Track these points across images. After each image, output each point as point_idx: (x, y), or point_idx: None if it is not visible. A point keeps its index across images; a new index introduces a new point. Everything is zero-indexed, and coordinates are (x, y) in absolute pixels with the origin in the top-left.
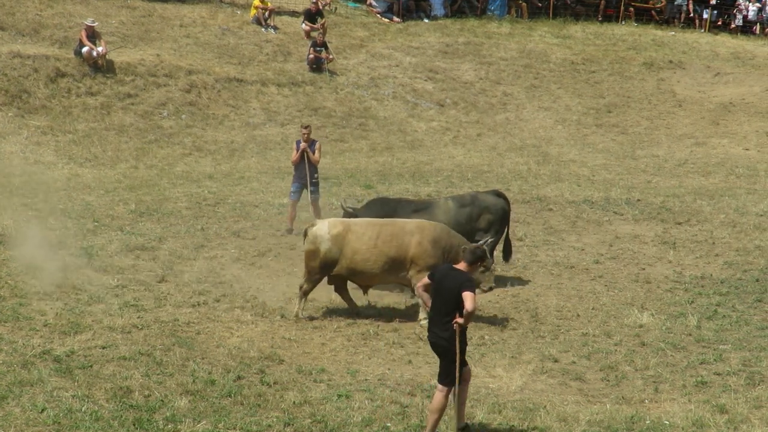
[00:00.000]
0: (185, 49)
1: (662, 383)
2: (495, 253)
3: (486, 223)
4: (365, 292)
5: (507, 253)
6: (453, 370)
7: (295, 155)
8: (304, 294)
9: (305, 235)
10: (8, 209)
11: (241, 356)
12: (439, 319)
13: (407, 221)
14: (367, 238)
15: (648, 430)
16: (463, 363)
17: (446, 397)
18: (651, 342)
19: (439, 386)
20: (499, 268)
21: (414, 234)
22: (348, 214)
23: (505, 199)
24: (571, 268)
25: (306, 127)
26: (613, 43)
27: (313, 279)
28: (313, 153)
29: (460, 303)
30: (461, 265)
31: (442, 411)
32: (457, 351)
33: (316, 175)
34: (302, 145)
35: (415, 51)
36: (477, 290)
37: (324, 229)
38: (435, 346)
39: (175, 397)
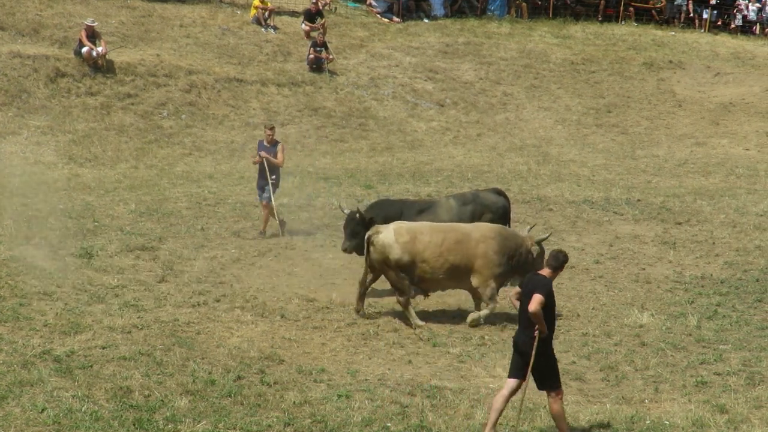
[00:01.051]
0: (185, 49)
1: (662, 383)
2: None
3: (487, 221)
4: (426, 295)
5: None
6: (551, 375)
7: (256, 158)
8: (405, 306)
9: (369, 243)
10: (8, 209)
11: (241, 356)
12: (523, 324)
13: (470, 227)
14: (433, 246)
15: (648, 430)
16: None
17: (560, 399)
18: (651, 342)
19: (549, 394)
20: None
21: (480, 243)
22: (362, 218)
23: (506, 197)
24: (571, 268)
25: (271, 129)
26: (613, 43)
27: (401, 285)
28: (276, 155)
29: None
30: (545, 271)
31: (562, 416)
32: (532, 356)
33: (274, 177)
34: (262, 154)
35: (415, 51)
36: None
37: (391, 237)
38: (516, 347)
39: (175, 397)
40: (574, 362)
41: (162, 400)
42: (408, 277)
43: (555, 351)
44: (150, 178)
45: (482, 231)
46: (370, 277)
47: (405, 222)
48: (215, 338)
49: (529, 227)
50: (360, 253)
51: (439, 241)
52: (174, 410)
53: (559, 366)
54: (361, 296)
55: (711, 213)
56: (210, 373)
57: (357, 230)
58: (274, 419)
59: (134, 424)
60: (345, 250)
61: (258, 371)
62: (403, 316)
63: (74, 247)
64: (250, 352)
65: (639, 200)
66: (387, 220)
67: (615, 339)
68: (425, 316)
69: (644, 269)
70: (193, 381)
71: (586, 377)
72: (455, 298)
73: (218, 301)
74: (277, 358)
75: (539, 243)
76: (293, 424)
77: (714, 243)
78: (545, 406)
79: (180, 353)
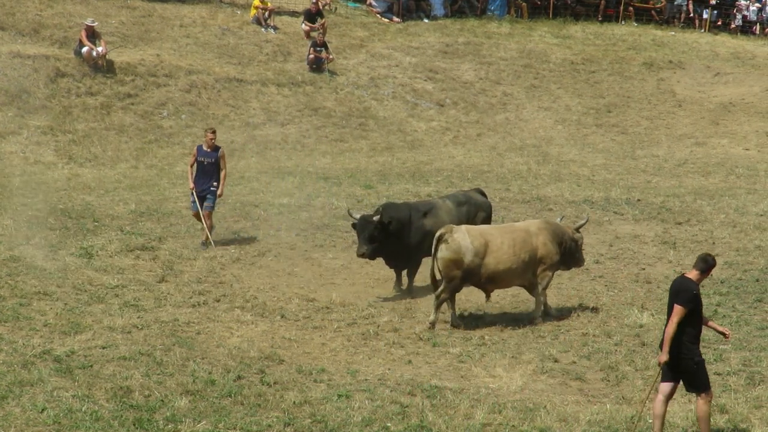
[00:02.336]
0: (185, 49)
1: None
2: None
3: (481, 221)
4: (488, 297)
5: None
6: (700, 377)
7: (193, 167)
8: (441, 302)
9: (439, 241)
10: (8, 209)
11: (241, 356)
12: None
13: (524, 224)
14: (506, 247)
15: (648, 430)
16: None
17: (708, 403)
18: (651, 342)
19: (699, 395)
20: None
21: (539, 235)
22: (381, 222)
23: (486, 197)
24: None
25: (212, 132)
26: (613, 43)
27: (452, 287)
28: (216, 161)
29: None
30: (692, 273)
31: (708, 418)
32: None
33: (215, 183)
34: (190, 184)
35: (415, 51)
36: None
37: (467, 239)
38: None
39: (175, 397)
40: (575, 362)
41: (162, 400)
42: (473, 278)
43: (555, 351)
44: (150, 178)
45: (537, 225)
46: (440, 278)
47: (469, 226)
48: (215, 338)
49: (560, 217)
50: (373, 258)
51: (511, 242)
52: (174, 410)
53: (559, 366)
54: (452, 303)
55: (711, 213)
56: (210, 373)
57: (375, 234)
58: (274, 419)
59: (134, 424)
60: (362, 255)
61: (258, 371)
62: (403, 316)
63: (74, 247)
64: (250, 352)
65: (639, 200)
66: (397, 223)
67: (615, 339)
68: (426, 316)
69: (644, 269)
70: (193, 381)
71: (586, 377)
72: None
73: (218, 301)
74: (277, 358)
75: (578, 230)
76: (293, 424)
77: (714, 243)
78: (545, 406)
79: (180, 353)
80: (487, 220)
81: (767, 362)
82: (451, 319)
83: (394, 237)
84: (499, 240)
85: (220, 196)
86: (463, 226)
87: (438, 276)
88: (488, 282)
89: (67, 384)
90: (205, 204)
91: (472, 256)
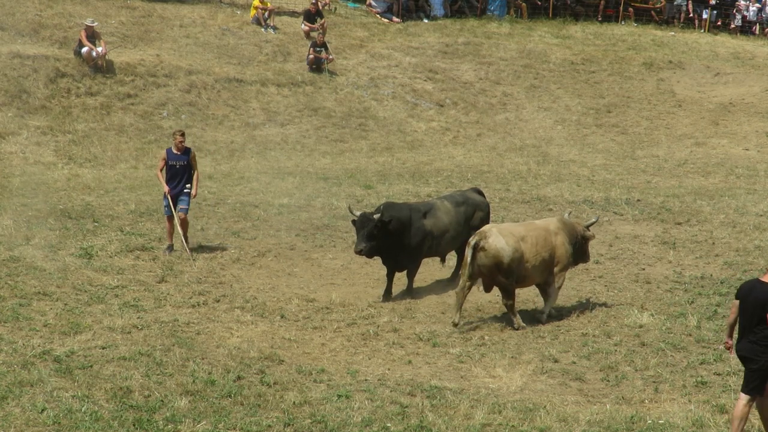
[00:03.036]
0: (185, 50)
1: (662, 383)
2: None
3: (479, 221)
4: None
5: None
6: (754, 380)
7: (163, 171)
8: (511, 308)
9: (476, 250)
10: (8, 209)
11: (241, 356)
12: (746, 332)
13: (542, 222)
14: (530, 246)
15: (648, 430)
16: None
17: (747, 405)
18: (651, 342)
19: (741, 394)
20: None
21: (558, 235)
22: (381, 221)
23: (484, 196)
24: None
25: (182, 134)
26: (612, 43)
27: (510, 288)
28: (188, 164)
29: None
30: (767, 277)
31: (743, 419)
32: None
33: (188, 186)
34: (165, 188)
35: (414, 51)
36: None
37: (502, 240)
38: (739, 355)
39: (175, 397)
40: (574, 362)
41: (162, 401)
42: (513, 277)
43: (555, 351)
44: (150, 178)
45: (555, 224)
46: (468, 284)
47: (498, 225)
48: (215, 338)
49: (568, 212)
50: (371, 256)
51: (535, 240)
52: (174, 410)
53: (559, 366)
54: (460, 306)
55: (711, 213)
56: (210, 373)
57: (374, 233)
58: (274, 419)
59: (134, 425)
60: (360, 252)
61: (258, 371)
62: (402, 316)
63: (74, 247)
64: (249, 353)
65: (639, 200)
66: (397, 223)
67: (615, 339)
68: (426, 316)
69: (644, 269)
70: (193, 381)
71: (586, 377)
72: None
73: (218, 301)
74: (277, 358)
75: (588, 228)
76: (293, 425)
77: (714, 243)
78: (545, 407)
79: (180, 353)
80: (486, 219)
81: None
82: (517, 323)
83: (394, 237)
84: (528, 237)
85: (194, 197)
86: (493, 227)
87: (466, 286)
88: (520, 279)
89: (67, 384)
90: (181, 207)
91: (511, 254)
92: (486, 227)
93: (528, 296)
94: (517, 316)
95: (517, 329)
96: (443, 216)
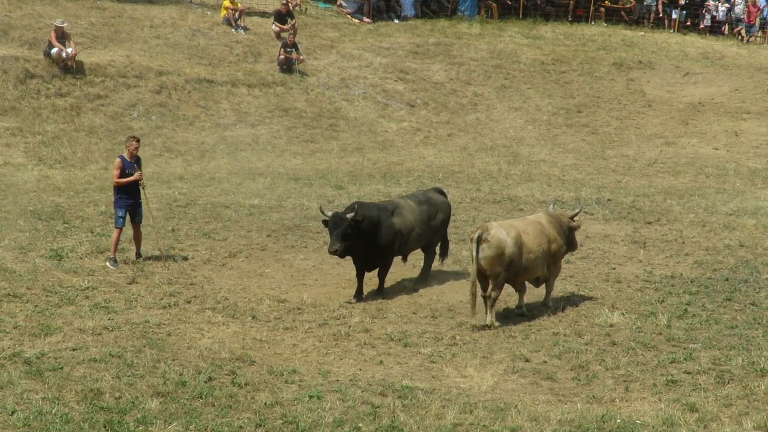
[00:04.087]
0: (155, 50)
1: (633, 382)
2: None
3: (440, 222)
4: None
5: (445, 252)
6: None
7: (120, 181)
8: (494, 301)
9: (480, 242)
10: None
11: (212, 357)
12: None
13: (539, 216)
14: (532, 238)
15: (619, 429)
16: None
17: None
18: (621, 341)
19: None
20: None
21: (550, 227)
22: (354, 220)
23: (446, 196)
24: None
25: (137, 141)
26: (582, 43)
27: (500, 284)
28: (140, 170)
29: None
30: None
31: None
32: None
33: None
34: (136, 175)
35: (385, 51)
36: None
37: (504, 233)
38: None
39: (146, 398)
40: (545, 362)
41: (133, 402)
42: (513, 271)
43: (526, 350)
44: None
45: (546, 218)
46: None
47: (496, 221)
48: (186, 339)
49: (552, 204)
50: (344, 256)
51: (534, 233)
52: (145, 412)
53: (530, 365)
54: (476, 301)
55: (680, 212)
56: (181, 374)
57: (348, 232)
58: (246, 420)
59: (105, 426)
60: (335, 252)
61: (229, 372)
62: (374, 317)
63: (44, 248)
64: (221, 353)
65: (609, 200)
66: (369, 222)
67: (586, 338)
68: (397, 316)
69: (614, 269)
70: (164, 382)
71: (557, 376)
72: (426, 298)
73: (189, 302)
74: (249, 359)
75: (573, 218)
76: (264, 425)
77: (684, 242)
78: (517, 406)
79: (151, 355)
80: (447, 220)
81: (737, 361)
82: (490, 321)
83: (365, 236)
84: (527, 230)
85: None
86: (496, 222)
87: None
88: (520, 273)
89: (38, 386)
90: (138, 218)
91: (513, 247)
92: (486, 223)
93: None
94: (494, 313)
95: (490, 326)
96: (408, 214)
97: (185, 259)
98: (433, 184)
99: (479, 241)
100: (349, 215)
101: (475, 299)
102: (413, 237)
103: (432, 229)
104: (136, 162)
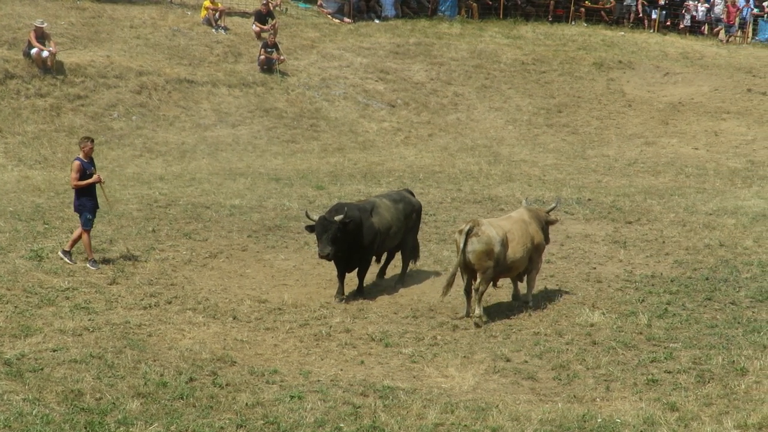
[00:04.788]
0: (135, 50)
1: (613, 382)
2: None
3: (413, 222)
4: (495, 285)
5: (416, 254)
6: None
7: (80, 183)
8: (482, 295)
9: (469, 235)
10: None
11: (193, 358)
12: None
13: (521, 213)
14: (518, 236)
15: (599, 428)
16: None
17: None
18: (602, 341)
19: None
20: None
21: (532, 224)
22: (343, 223)
23: (414, 197)
24: None
25: (92, 141)
26: (563, 43)
27: (488, 278)
28: (94, 170)
29: None
30: None
31: None
32: None
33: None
34: (95, 177)
35: (366, 52)
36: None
37: (493, 231)
38: None
39: (127, 399)
40: (526, 361)
41: (113, 403)
42: (498, 269)
43: (507, 350)
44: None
45: (527, 214)
46: (466, 276)
47: (489, 219)
48: (167, 340)
49: (524, 200)
50: (332, 259)
51: (519, 232)
52: (126, 413)
53: (511, 365)
54: (471, 298)
55: (661, 212)
56: (162, 375)
57: (338, 235)
58: (227, 421)
59: (86, 427)
60: (326, 256)
61: (210, 373)
62: (355, 317)
63: (24, 249)
64: (202, 354)
65: (589, 200)
66: (353, 223)
67: (566, 338)
68: (378, 317)
69: (595, 268)
70: (145, 383)
71: (537, 376)
72: (407, 298)
73: (170, 302)
74: (230, 359)
75: (549, 213)
76: (246, 426)
77: (664, 242)
78: (498, 406)
79: (131, 355)
80: (418, 221)
81: (717, 360)
82: (478, 314)
83: (349, 237)
84: (512, 230)
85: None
86: (485, 220)
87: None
88: (506, 270)
89: (18, 387)
90: (94, 220)
91: (500, 246)
92: (474, 219)
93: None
94: (482, 308)
95: (478, 324)
96: (385, 213)
97: (165, 259)
98: (414, 184)
99: (468, 234)
100: (338, 218)
101: (449, 287)
102: (390, 236)
103: (407, 228)
104: (92, 163)
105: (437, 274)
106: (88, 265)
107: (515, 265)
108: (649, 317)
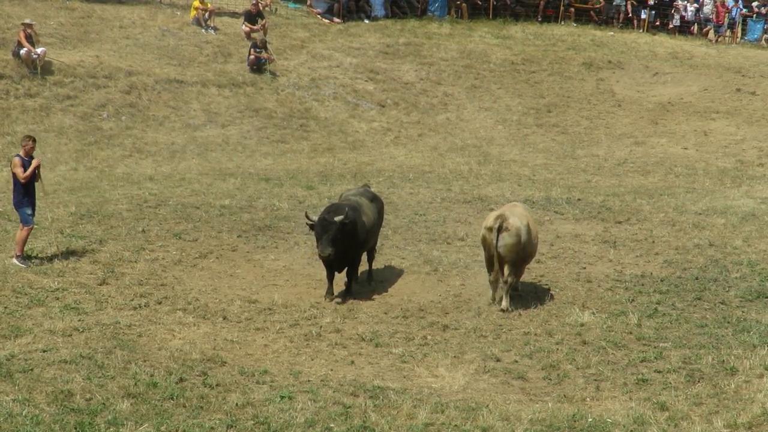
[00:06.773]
0: (125, 51)
1: (603, 381)
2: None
3: (382, 219)
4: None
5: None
6: None
7: (27, 174)
8: (510, 285)
9: (500, 231)
10: None
11: (183, 358)
12: None
13: (516, 206)
14: (532, 226)
15: (590, 428)
16: None
17: None
18: (592, 340)
19: None
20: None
21: (529, 216)
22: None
23: None
24: None
25: (33, 140)
26: (552, 43)
27: (519, 270)
28: (37, 170)
29: None
30: None
31: None
32: None
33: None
34: (36, 161)
35: (355, 52)
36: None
37: (518, 221)
38: None
39: (117, 400)
40: (516, 361)
41: (103, 404)
42: (521, 257)
43: (497, 350)
44: (90, 180)
45: (520, 205)
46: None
47: (502, 210)
48: (157, 340)
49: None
50: (331, 259)
51: (533, 220)
52: (116, 413)
53: (501, 365)
54: (498, 288)
55: (650, 212)
56: (152, 375)
57: (338, 236)
58: (217, 421)
59: (76, 428)
60: (327, 257)
61: (200, 373)
62: (345, 317)
63: (14, 250)
64: (192, 354)
65: (579, 199)
66: (351, 223)
67: (556, 338)
68: (368, 317)
69: (585, 268)
70: (135, 384)
71: (527, 376)
72: (397, 298)
73: (160, 303)
74: (220, 359)
75: None
76: (236, 426)
77: (653, 242)
78: (488, 406)
79: (121, 356)
80: (382, 217)
81: (707, 360)
82: (505, 305)
83: (348, 237)
84: (529, 216)
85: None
86: (503, 211)
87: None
88: (528, 257)
89: (8, 388)
90: (34, 217)
91: (526, 234)
92: (495, 213)
93: (469, 295)
94: (509, 298)
95: (505, 310)
96: (368, 211)
97: (156, 260)
98: (404, 184)
99: (500, 230)
100: (338, 218)
101: (496, 286)
102: (372, 234)
103: (379, 226)
104: (30, 161)
105: (428, 274)
106: (14, 260)
107: (533, 251)
108: (639, 317)
